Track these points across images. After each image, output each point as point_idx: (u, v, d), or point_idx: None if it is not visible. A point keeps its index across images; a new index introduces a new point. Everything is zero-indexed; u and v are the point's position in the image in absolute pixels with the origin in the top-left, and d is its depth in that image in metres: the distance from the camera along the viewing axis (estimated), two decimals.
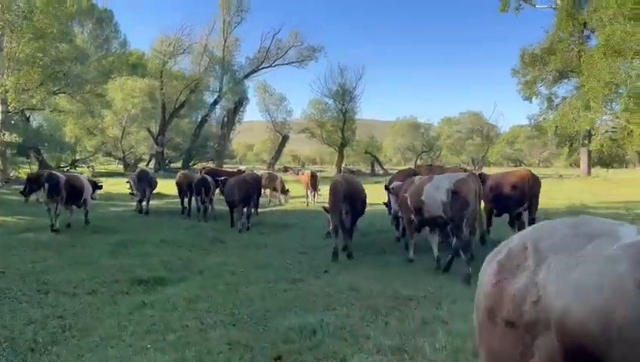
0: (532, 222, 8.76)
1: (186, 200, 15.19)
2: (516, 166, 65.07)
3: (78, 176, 13.13)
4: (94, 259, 8.41)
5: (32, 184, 18.78)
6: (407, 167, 27.61)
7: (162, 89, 42.22)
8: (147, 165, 56.02)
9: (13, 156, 33.72)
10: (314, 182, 19.09)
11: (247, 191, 12.58)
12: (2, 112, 31.56)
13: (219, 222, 13.34)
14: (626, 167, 45.14)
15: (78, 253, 8.89)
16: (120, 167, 51.38)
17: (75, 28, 42.79)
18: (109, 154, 53.54)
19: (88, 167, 46.03)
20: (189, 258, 8.75)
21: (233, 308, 5.60)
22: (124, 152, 50.78)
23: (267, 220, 13.90)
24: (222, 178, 14.68)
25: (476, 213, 7.44)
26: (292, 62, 47.06)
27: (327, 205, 9.38)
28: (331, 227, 8.95)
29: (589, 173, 33.38)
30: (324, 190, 21.57)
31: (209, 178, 14.23)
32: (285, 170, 36.65)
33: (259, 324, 5.06)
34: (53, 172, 12.83)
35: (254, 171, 17.81)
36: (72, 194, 11.82)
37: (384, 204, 11.28)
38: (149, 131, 43.98)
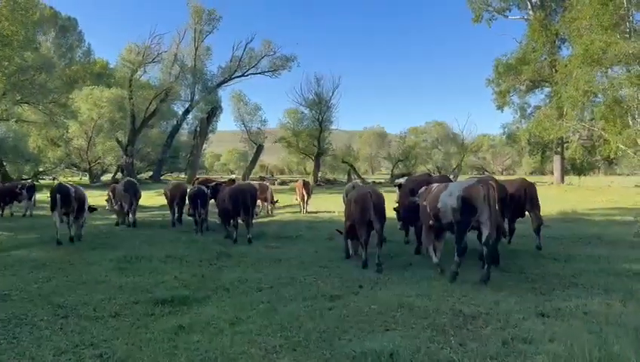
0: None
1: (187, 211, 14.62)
2: (480, 173, 66.55)
3: (81, 188, 12.55)
4: (102, 277, 7.81)
5: (4, 197, 17.84)
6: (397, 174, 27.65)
7: (131, 98, 40.99)
8: (114, 176, 54.35)
9: None
10: (307, 191, 18.88)
11: (246, 201, 12.12)
12: None
13: (216, 235, 12.75)
14: (594, 175, 46.70)
15: (83, 270, 8.25)
16: (85, 179, 49.52)
17: (38, 36, 41.13)
18: (74, 165, 51.63)
19: (52, 179, 44.09)
20: (202, 274, 8.22)
21: (284, 330, 5.19)
22: (89, 163, 49.06)
23: (267, 231, 13.41)
24: (211, 185, 14.18)
25: (495, 218, 7.32)
26: (265, 72, 46.63)
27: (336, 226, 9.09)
28: (361, 240, 8.59)
29: (562, 180, 34.24)
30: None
31: (204, 189, 13.63)
32: (262, 179, 35.98)
33: (322, 348, 4.68)
34: (63, 183, 12.38)
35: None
36: (80, 206, 11.35)
37: (394, 210, 11.07)
38: (118, 141, 42.54)
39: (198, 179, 16.98)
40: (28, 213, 17.81)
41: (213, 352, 4.61)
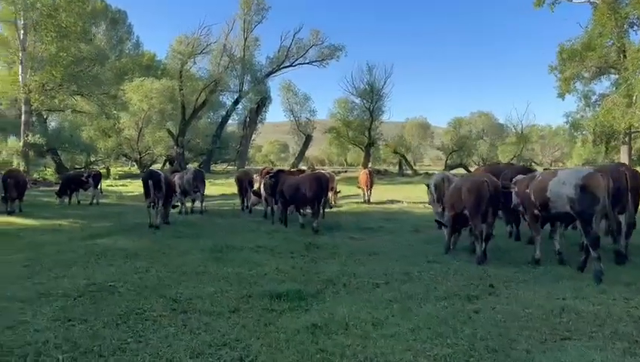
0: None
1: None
2: (527, 165, 64.05)
3: (168, 175, 12.60)
4: (201, 268, 7.38)
5: (70, 184, 17.93)
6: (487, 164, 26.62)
7: (181, 89, 41.16)
8: (163, 167, 55.14)
9: (36, 158, 32.57)
10: (372, 181, 18.27)
11: (319, 191, 11.58)
12: (25, 113, 30.56)
13: (292, 225, 12.20)
14: None
15: (178, 260, 7.84)
16: (134, 168, 50.36)
17: (91, 28, 41.77)
18: (124, 155, 52.61)
19: (105, 168, 44.96)
20: (300, 266, 7.68)
21: (439, 336, 4.53)
22: (140, 153, 49.85)
23: (342, 222, 12.82)
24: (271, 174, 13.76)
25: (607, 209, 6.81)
26: (313, 62, 46.03)
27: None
28: (475, 232, 7.89)
29: None
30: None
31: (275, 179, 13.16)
32: (311, 169, 35.33)
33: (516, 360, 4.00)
34: (154, 169, 12.53)
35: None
36: (168, 192, 11.27)
37: None
38: (169, 132, 42.93)
39: (265, 169, 16.58)
40: (94, 200, 17.83)
41: (384, 357, 4.01)
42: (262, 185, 13.95)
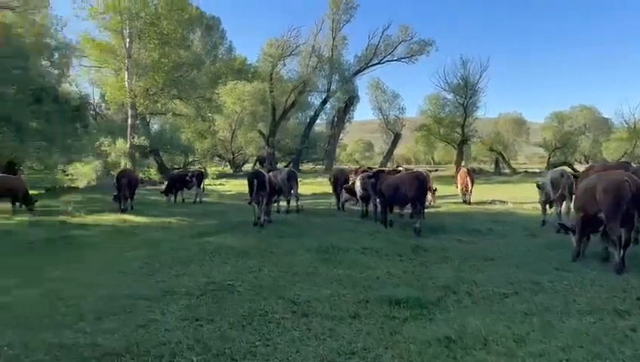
0: None
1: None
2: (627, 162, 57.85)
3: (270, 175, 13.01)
4: (311, 268, 7.28)
5: (175, 184, 18.88)
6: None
7: (272, 91, 42.20)
8: (253, 166, 57.01)
9: (141, 158, 34.87)
10: (472, 180, 17.39)
11: (420, 190, 11.10)
12: (132, 117, 32.83)
13: (391, 226, 11.82)
14: None
15: (287, 260, 7.80)
16: (227, 168, 52.47)
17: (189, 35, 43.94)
18: (218, 155, 55.08)
19: (202, 168, 47.25)
20: (412, 271, 7.32)
21: (606, 359, 4.01)
22: (233, 154, 51.89)
23: (446, 224, 12.21)
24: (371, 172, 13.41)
25: None
26: (401, 58, 45.17)
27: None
28: (612, 237, 7.06)
29: None
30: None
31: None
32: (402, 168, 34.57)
33: None
34: (259, 169, 12.99)
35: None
36: (272, 190, 11.74)
37: None
38: (261, 133, 44.25)
39: (360, 168, 16.35)
40: (198, 199, 18.60)
41: None
42: (357, 184, 13.73)
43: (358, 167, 19.75)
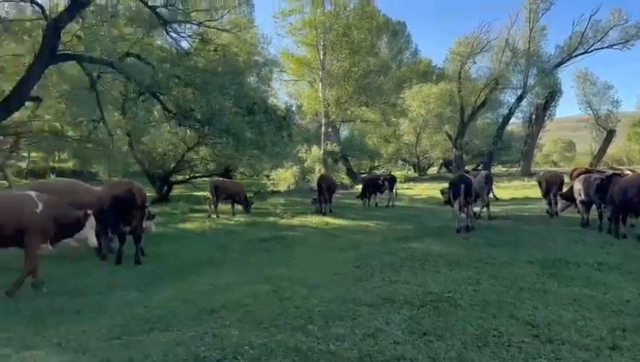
0: None
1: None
2: None
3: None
4: (538, 284, 6.43)
5: (368, 187, 19.18)
6: None
7: (460, 91, 40.48)
8: (439, 170, 55.62)
9: (333, 164, 36.67)
10: None
11: None
12: (325, 125, 34.77)
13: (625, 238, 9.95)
14: None
15: (507, 273, 6.98)
16: (410, 172, 52.04)
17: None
18: (403, 159, 55.03)
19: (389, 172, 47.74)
20: None
21: None
22: (418, 157, 51.32)
23: None
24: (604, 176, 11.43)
25: None
26: (613, 45, 39.11)
27: None
28: None
29: None
30: None
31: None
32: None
33: None
34: (464, 173, 12.81)
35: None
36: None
37: None
38: (448, 135, 42.86)
39: (577, 170, 14.31)
40: (390, 203, 18.60)
41: None
42: (576, 188, 11.99)
43: (574, 168, 17.46)
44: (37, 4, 14.77)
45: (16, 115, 17.58)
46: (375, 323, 4.87)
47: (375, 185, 19.01)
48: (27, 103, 16.79)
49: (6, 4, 15.63)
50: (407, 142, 46.57)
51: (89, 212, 6.91)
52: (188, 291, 6.45)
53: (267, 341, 4.37)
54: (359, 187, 26.55)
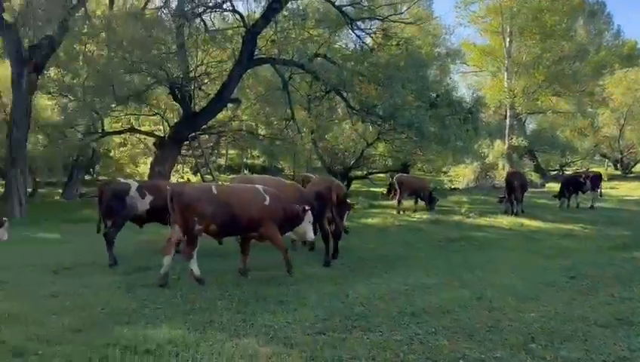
0: None
1: None
2: None
3: None
4: None
5: (568, 186, 17.06)
6: None
7: None
8: None
9: (518, 160, 33.83)
10: None
11: None
12: (510, 117, 32.19)
13: None
14: None
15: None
16: (610, 170, 45.35)
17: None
18: (602, 155, 48.34)
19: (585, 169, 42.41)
20: None
21: None
22: (621, 153, 44.50)
23: None
24: None
25: None
26: None
27: None
28: None
29: None
30: None
31: None
32: None
33: None
34: None
35: None
36: None
37: None
38: None
39: None
40: (593, 204, 16.28)
41: None
42: None
43: None
44: (237, 12, 16.33)
45: (218, 116, 19.81)
46: (615, 349, 4.02)
47: (577, 184, 16.79)
48: (228, 105, 18.76)
49: (211, 14, 17.55)
50: (607, 135, 40.98)
51: (307, 207, 7.19)
52: (384, 289, 6.24)
53: (484, 357, 3.88)
54: (550, 185, 23.83)
